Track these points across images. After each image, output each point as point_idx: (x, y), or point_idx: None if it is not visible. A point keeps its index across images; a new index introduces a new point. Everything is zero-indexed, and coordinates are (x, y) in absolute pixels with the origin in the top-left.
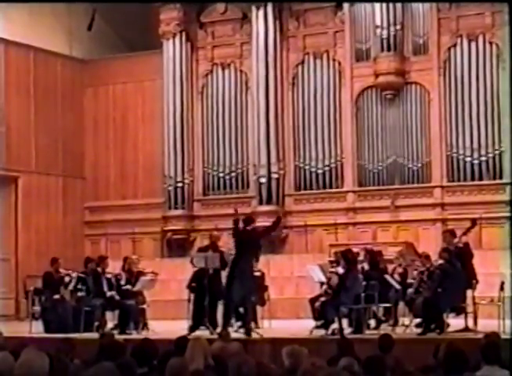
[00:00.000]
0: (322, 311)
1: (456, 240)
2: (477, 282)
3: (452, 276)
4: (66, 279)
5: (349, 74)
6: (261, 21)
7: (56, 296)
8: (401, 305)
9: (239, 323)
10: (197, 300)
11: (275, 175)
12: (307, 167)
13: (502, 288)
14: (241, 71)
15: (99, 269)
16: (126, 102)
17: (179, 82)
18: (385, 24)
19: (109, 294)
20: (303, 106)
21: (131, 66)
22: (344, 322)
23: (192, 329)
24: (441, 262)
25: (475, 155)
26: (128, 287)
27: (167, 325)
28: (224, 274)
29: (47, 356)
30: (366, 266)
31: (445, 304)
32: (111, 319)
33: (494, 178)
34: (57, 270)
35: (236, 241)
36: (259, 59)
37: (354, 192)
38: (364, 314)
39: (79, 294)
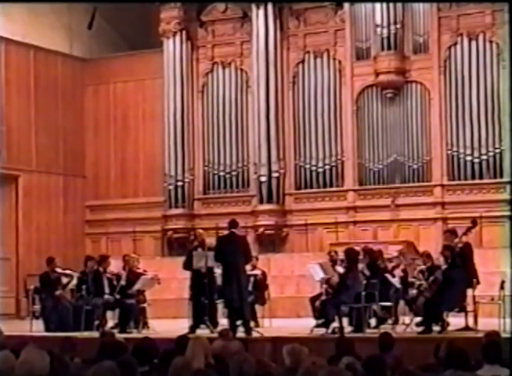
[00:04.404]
0: (323, 310)
1: (456, 240)
2: (478, 282)
3: (454, 278)
4: (64, 279)
5: (349, 72)
6: (261, 20)
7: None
8: (401, 303)
9: (238, 322)
10: (196, 299)
11: (275, 174)
12: (307, 166)
13: (502, 287)
14: (241, 70)
15: (101, 269)
16: (126, 100)
17: (180, 81)
18: (385, 23)
19: (106, 297)
20: (303, 105)
21: (131, 65)
22: (345, 321)
23: (192, 328)
24: (442, 261)
25: (475, 154)
26: (129, 291)
27: (167, 324)
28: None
29: (47, 355)
30: (367, 272)
31: (446, 306)
32: (111, 318)
33: (494, 177)
34: (53, 270)
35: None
36: (259, 57)
37: (354, 191)
38: (364, 313)
39: (80, 293)
